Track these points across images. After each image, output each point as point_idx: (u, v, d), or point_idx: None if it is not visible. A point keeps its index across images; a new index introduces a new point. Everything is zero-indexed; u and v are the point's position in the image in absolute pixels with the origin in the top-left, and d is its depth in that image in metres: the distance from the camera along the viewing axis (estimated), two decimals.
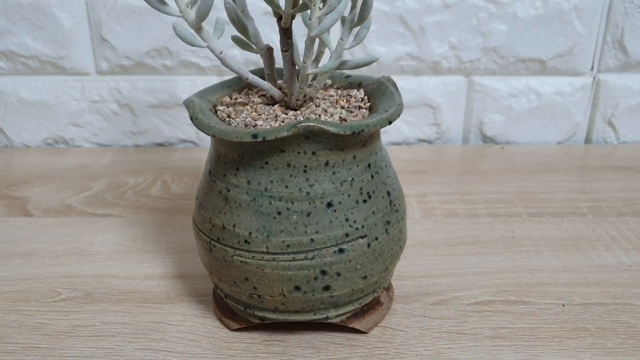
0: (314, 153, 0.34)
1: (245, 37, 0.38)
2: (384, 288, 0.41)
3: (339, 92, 0.40)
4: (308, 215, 0.35)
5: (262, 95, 0.40)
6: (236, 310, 0.40)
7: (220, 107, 0.38)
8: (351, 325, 0.39)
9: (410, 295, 0.44)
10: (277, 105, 0.38)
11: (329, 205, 0.35)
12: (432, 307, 0.42)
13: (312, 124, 0.32)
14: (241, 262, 0.36)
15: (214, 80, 0.67)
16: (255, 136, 0.33)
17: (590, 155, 0.66)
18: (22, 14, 0.64)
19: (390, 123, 0.35)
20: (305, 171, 0.34)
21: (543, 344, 0.39)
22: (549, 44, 0.64)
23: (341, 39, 0.36)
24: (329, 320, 0.39)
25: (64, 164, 0.66)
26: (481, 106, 0.67)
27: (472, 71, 0.66)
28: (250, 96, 0.40)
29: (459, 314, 0.42)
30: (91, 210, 0.56)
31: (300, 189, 0.35)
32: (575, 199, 0.56)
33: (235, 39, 0.39)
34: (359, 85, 0.41)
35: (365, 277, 0.37)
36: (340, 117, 0.36)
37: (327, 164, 0.35)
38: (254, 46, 0.39)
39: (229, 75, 0.66)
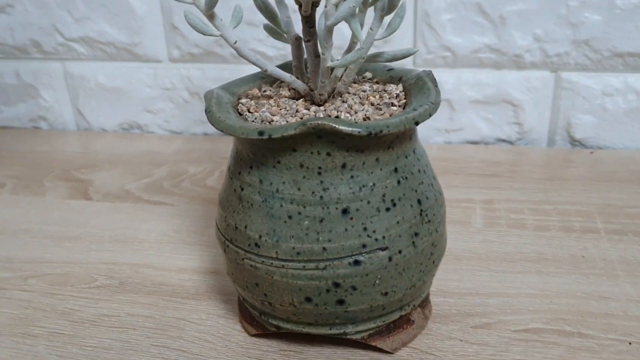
0: (328, 154, 0.31)
1: (275, 26, 0.36)
2: (416, 305, 0.37)
3: (375, 86, 0.36)
4: (321, 221, 0.32)
5: (293, 89, 0.37)
6: (253, 315, 0.38)
7: (244, 100, 0.36)
8: (374, 344, 0.36)
9: (451, 315, 0.39)
10: (301, 100, 0.35)
11: (345, 211, 0.32)
12: (473, 330, 0.38)
13: (322, 123, 0.29)
14: (251, 266, 0.34)
15: None
16: (261, 133, 0.30)
17: None
18: (100, 1, 0.66)
19: (417, 124, 0.31)
20: (319, 173, 0.31)
21: None
22: None
23: (371, 28, 0.32)
24: (348, 337, 0.35)
25: (134, 149, 0.67)
26: (569, 105, 0.60)
27: (559, 66, 0.59)
28: (281, 90, 0.37)
29: (501, 342, 0.37)
30: (146, 197, 0.56)
31: (313, 192, 0.32)
32: None
33: (266, 28, 0.37)
34: (399, 79, 0.37)
35: (386, 294, 0.33)
36: (365, 116, 0.33)
37: (344, 166, 0.31)
38: (285, 35, 0.36)
39: None
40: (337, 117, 0.32)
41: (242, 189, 0.34)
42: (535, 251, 0.45)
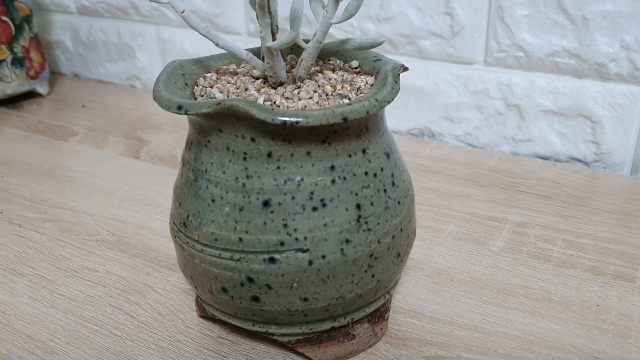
0: (252, 139, 0.29)
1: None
2: (355, 319, 0.33)
3: (346, 76, 0.33)
4: (241, 210, 0.30)
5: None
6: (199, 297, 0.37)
7: (209, 74, 0.34)
8: (300, 351, 0.33)
9: (409, 339, 0.35)
10: (259, 81, 0.33)
11: (266, 203, 0.29)
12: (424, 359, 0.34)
13: (235, 104, 0.27)
14: (180, 245, 0.33)
15: None
16: (180, 108, 0.29)
17: None
18: None
19: (345, 120, 0.28)
20: (245, 159, 0.29)
21: None
22: None
23: (326, 10, 0.29)
24: (274, 337, 0.33)
25: None
26: None
27: None
28: (255, 70, 0.35)
29: None
30: None
31: (236, 178, 0.30)
32: None
33: (251, 3, 0.35)
34: (378, 71, 0.33)
35: (306, 300, 0.31)
36: (304, 105, 0.30)
37: (270, 155, 0.29)
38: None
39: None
40: (273, 102, 0.30)
41: (183, 165, 0.33)
42: (544, 289, 0.39)
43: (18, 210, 0.50)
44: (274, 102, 0.30)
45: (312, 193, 0.29)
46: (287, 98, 0.30)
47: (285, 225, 0.29)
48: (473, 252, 0.43)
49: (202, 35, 0.32)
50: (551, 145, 0.56)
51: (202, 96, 0.32)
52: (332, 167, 0.30)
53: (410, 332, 0.36)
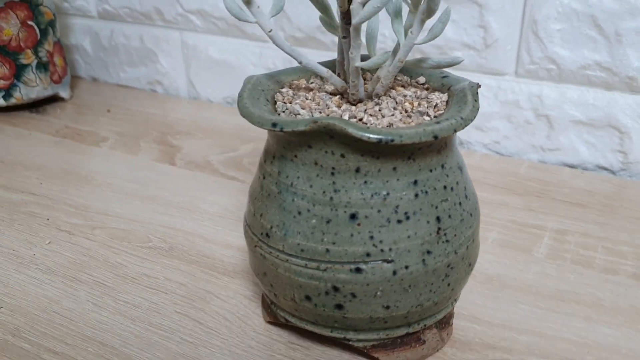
0: (342, 155, 0.30)
1: (328, 18, 0.35)
2: (427, 325, 0.35)
3: (419, 93, 0.35)
4: (328, 222, 0.31)
5: None
6: (270, 303, 0.38)
7: (284, 90, 0.36)
8: (376, 356, 0.35)
9: (473, 343, 0.37)
10: (337, 97, 0.34)
11: (353, 216, 0.31)
12: None
13: (332, 122, 0.28)
14: (261, 254, 0.34)
15: None
16: (274, 125, 0.30)
17: None
18: None
19: (436, 138, 0.29)
20: (332, 174, 0.31)
21: None
22: None
23: (411, 32, 0.31)
24: (351, 343, 0.35)
25: (230, 123, 0.70)
26: None
27: None
28: (326, 84, 0.37)
29: None
30: (223, 171, 0.59)
31: (324, 192, 0.31)
32: None
33: (322, 20, 0.36)
34: (449, 88, 0.35)
35: (388, 307, 0.32)
36: (390, 122, 0.31)
37: (358, 170, 0.30)
38: (338, 29, 0.35)
39: None
40: (360, 119, 0.32)
41: (264, 178, 0.34)
42: (593, 295, 0.41)
43: (64, 217, 0.51)
44: (361, 120, 0.32)
45: (397, 207, 0.31)
46: (371, 115, 0.32)
47: (372, 237, 0.31)
48: (519, 259, 0.45)
49: (288, 53, 0.33)
50: (578, 154, 0.58)
51: (284, 112, 0.33)
52: (415, 182, 0.31)
53: (473, 337, 0.37)
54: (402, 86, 0.36)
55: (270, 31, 0.32)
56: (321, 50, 0.66)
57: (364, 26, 0.43)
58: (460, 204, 0.33)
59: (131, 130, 0.69)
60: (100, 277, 0.43)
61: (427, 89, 0.36)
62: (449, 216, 0.32)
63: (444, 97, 0.34)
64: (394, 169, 0.31)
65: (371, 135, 0.28)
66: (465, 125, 0.30)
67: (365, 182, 0.31)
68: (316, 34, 0.66)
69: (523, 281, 0.42)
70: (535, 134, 0.59)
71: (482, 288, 0.42)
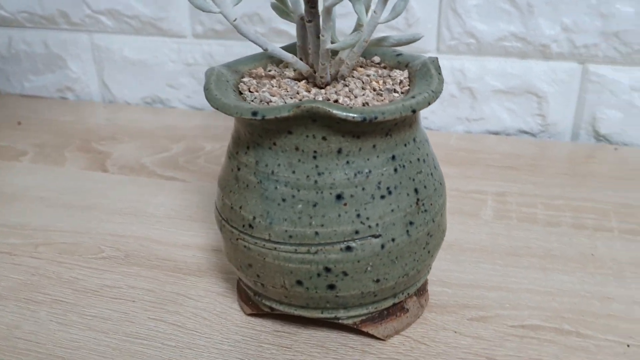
0: (324, 138, 0.31)
1: (282, 4, 0.36)
2: (410, 294, 0.36)
3: (380, 71, 0.36)
4: (314, 205, 0.31)
5: (297, 70, 0.37)
6: (249, 294, 0.38)
7: (246, 79, 0.36)
8: (365, 330, 0.36)
9: (448, 305, 0.39)
10: (304, 82, 0.35)
11: (339, 197, 0.31)
12: (469, 322, 0.37)
13: (316, 106, 0.29)
14: (245, 246, 0.34)
15: None
16: (255, 114, 0.30)
17: None
18: None
19: (414, 112, 0.30)
20: (314, 157, 0.31)
21: None
22: None
23: (374, 11, 0.32)
24: (340, 321, 0.35)
25: (154, 123, 0.68)
26: (596, 99, 0.58)
27: (587, 58, 0.57)
28: (286, 70, 0.37)
29: (496, 336, 0.36)
30: (160, 172, 0.57)
31: (308, 176, 0.31)
32: None
33: (273, 6, 0.36)
34: (406, 65, 0.36)
35: (378, 281, 0.33)
36: (364, 101, 0.32)
37: (339, 151, 0.31)
38: (292, 15, 0.35)
39: None
40: (335, 101, 0.32)
41: (239, 169, 0.34)
42: (543, 247, 0.44)
43: (0, 238, 0.48)
44: (336, 101, 0.32)
45: (379, 183, 0.32)
46: (345, 96, 0.32)
47: (358, 215, 0.32)
48: (470, 224, 0.47)
49: (252, 41, 0.33)
50: (501, 121, 0.62)
51: (253, 101, 0.33)
52: (394, 157, 0.32)
53: (447, 300, 0.39)
54: (361, 66, 0.37)
55: (234, 20, 0.32)
56: (243, 40, 0.66)
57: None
58: (432, 174, 0.34)
59: (50, 141, 0.65)
60: (58, 295, 0.41)
61: (384, 67, 0.37)
62: (425, 187, 0.34)
63: (405, 73, 0.35)
64: (374, 146, 0.31)
65: (355, 115, 0.29)
66: (436, 98, 0.32)
67: (348, 162, 0.31)
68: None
69: (478, 243, 0.45)
70: (459, 106, 0.62)
71: (444, 254, 0.44)
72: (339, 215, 0.32)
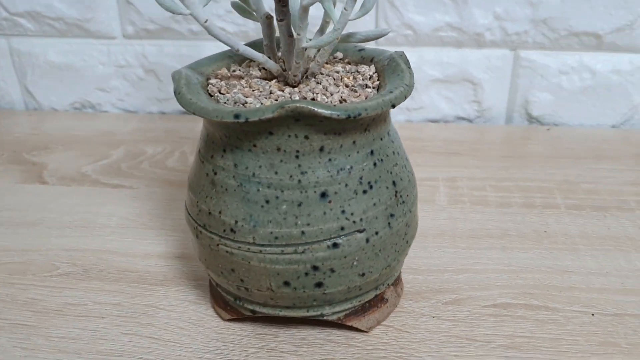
0: (306, 137, 0.31)
1: (244, 3, 0.35)
2: (389, 284, 0.37)
3: (347, 67, 0.36)
4: (299, 205, 0.31)
5: (264, 69, 0.36)
6: (227, 300, 0.37)
7: (213, 81, 0.35)
8: (349, 324, 0.36)
9: (421, 291, 0.40)
10: (274, 81, 0.34)
11: (323, 195, 0.31)
12: (444, 306, 0.39)
13: (300, 106, 0.29)
14: (227, 252, 0.33)
15: None
16: (237, 116, 0.29)
17: None
18: None
19: (394, 106, 0.31)
20: (297, 157, 0.31)
21: (564, 358, 0.35)
22: (606, 17, 0.57)
23: (345, 8, 0.32)
24: (325, 318, 0.35)
25: (88, 129, 0.65)
26: (528, 84, 0.61)
27: (518, 45, 0.60)
28: (251, 69, 0.36)
29: (472, 317, 0.38)
30: (104, 180, 0.55)
31: (291, 176, 0.31)
32: (624, 192, 0.50)
33: (234, 5, 0.36)
34: (370, 60, 0.37)
35: (363, 275, 0.33)
36: (340, 98, 0.32)
37: (322, 149, 0.31)
38: (254, 13, 0.35)
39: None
40: (312, 99, 0.32)
41: (215, 173, 0.33)
42: (499, 227, 0.46)
43: None
44: (314, 99, 0.32)
45: (361, 178, 0.32)
46: (322, 94, 0.32)
47: (343, 212, 0.32)
48: (428, 210, 0.49)
49: (223, 42, 0.32)
50: (439, 109, 0.64)
51: (226, 103, 0.32)
52: (372, 152, 0.33)
53: (420, 286, 0.40)
54: (327, 63, 0.37)
55: (206, 22, 0.31)
56: (178, 39, 0.64)
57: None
58: (405, 166, 0.35)
59: None
60: (17, 319, 0.39)
61: (348, 63, 0.37)
62: (401, 179, 0.34)
63: (372, 68, 0.36)
64: (354, 142, 0.32)
65: (340, 113, 0.29)
66: (411, 91, 0.32)
67: (330, 159, 0.31)
68: (171, 24, 0.63)
69: (438, 228, 0.46)
70: None
71: None
72: (324, 213, 0.32)
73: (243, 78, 0.35)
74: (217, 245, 0.33)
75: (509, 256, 0.43)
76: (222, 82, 0.34)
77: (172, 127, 0.65)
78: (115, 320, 0.38)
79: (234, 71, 0.36)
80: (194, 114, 0.31)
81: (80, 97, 0.69)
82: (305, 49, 0.32)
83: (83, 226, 0.48)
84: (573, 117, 0.62)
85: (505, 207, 0.49)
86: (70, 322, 0.38)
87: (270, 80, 0.35)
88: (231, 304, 0.37)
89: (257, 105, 0.32)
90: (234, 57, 0.38)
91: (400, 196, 0.34)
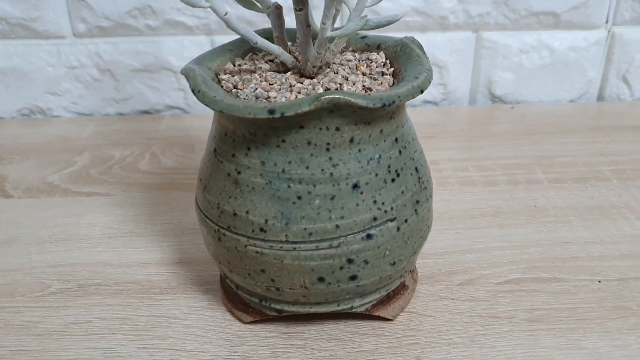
0: (337, 129, 0.30)
1: None
2: (410, 271, 0.37)
3: (357, 55, 0.35)
4: (332, 199, 0.31)
5: (270, 61, 0.35)
6: (249, 302, 0.36)
7: (224, 76, 0.33)
8: (377, 314, 0.36)
9: (434, 275, 0.40)
10: (289, 73, 0.33)
11: (355, 186, 0.31)
12: (460, 287, 0.39)
13: (337, 97, 0.28)
14: (256, 252, 0.32)
15: (203, 40, 0.61)
16: (272, 112, 0.28)
17: (605, 114, 0.62)
18: None
19: (422, 92, 0.31)
20: (328, 149, 0.30)
21: (583, 326, 0.36)
22: None
23: None
24: (354, 310, 0.35)
25: (43, 136, 0.61)
26: (490, 64, 0.63)
27: (481, 26, 0.61)
28: (256, 62, 0.35)
29: (489, 295, 0.38)
30: (76, 189, 0.51)
31: (322, 170, 0.30)
32: (597, 163, 0.53)
33: None
34: (377, 47, 0.36)
35: (394, 263, 0.33)
36: (363, 86, 0.32)
37: (352, 140, 0.30)
38: (258, 4, 0.34)
39: (219, 36, 0.61)
40: (336, 89, 0.31)
41: (239, 172, 0.31)
42: (491, 206, 0.47)
43: None
44: (338, 89, 0.31)
45: (389, 166, 0.32)
46: (339, 84, 0.32)
47: (375, 202, 0.31)
48: None
49: (242, 35, 0.31)
50: None
51: (245, 98, 0.31)
52: (396, 140, 0.32)
53: (431, 270, 0.41)
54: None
55: (225, 14, 0.29)
56: (135, 36, 0.61)
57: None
58: (421, 152, 0.35)
59: None
60: (17, 345, 0.36)
61: (353, 51, 0.37)
62: (421, 165, 0.34)
63: (382, 55, 0.35)
64: (381, 131, 0.31)
65: (375, 102, 0.29)
66: (432, 76, 0.32)
67: (360, 150, 0.31)
68: (127, 20, 0.60)
69: (435, 211, 0.47)
70: None
71: None
72: (357, 205, 0.31)
73: (254, 72, 0.34)
74: (245, 246, 0.32)
75: (507, 233, 0.44)
76: (235, 77, 0.33)
77: (134, 128, 0.62)
78: (128, 335, 0.36)
79: (240, 65, 0.35)
80: (220, 111, 0.29)
81: (28, 102, 0.64)
82: (329, 39, 0.31)
83: (65, 239, 0.45)
84: (533, 94, 0.65)
85: (492, 186, 0.50)
86: (78, 343, 0.36)
87: (282, 72, 0.34)
88: (253, 306, 0.36)
89: (282, 99, 0.31)
90: (234, 51, 0.36)
91: (422, 182, 0.34)
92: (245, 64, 0.35)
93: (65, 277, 0.41)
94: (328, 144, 0.30)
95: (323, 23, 0.30)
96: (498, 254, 0.42)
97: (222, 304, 0.38)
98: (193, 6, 0.28)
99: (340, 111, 0.29)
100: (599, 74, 0.64)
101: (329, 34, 0.30)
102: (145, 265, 0.42)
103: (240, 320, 0.37)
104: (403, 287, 0.37)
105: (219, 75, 0.34)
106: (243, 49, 0.37)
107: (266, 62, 0.35)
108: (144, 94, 0.64)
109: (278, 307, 0.35)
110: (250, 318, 0.36)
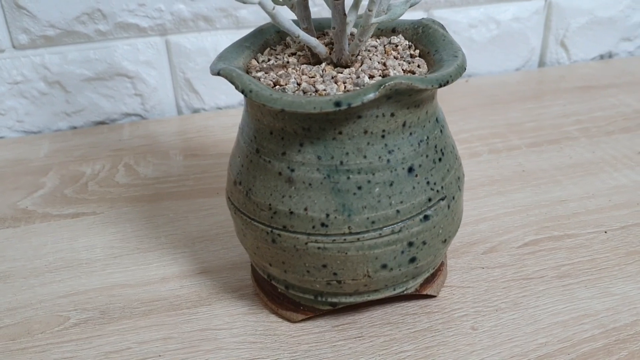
0: (392, 115, 0.30)
1: None
2: None
3: (379, 41, 0.36)
4: (391, 185, 0.31)
5: (292, 54, 0.35)
6: (300, 300, 0.35)
7: (258, 74, 0.32)
8: (424, 292, 0.37)
9: (457, 248, 0.42)
10: (324, 64, 0.33)
11: (410, 170, 0.31)
12: (485, 256, 0.41)
13: (399, 82, 0.28)
14: (318, 248, 0.31)
15: (158, 41, 0.58)
16: (338, 104, 0.28)
17: (550, 78, 0.67)
18: None
19: (464, 70, 0.32)
20: (383, 136, 0.30)
21: (607, 274, 0.39)
22: None
23: None
24: (406, 292, 0.36)
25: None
26: None
27: (432, 5, 0.63)
28: (278, 57, 0.34)
29: (514, 259, 0.40)
30: (56, 212, 0.48)
31: (380, 157, 0.30)
32: (562, 124, 0.57)
33: None
34: (392, 31, 0.37)
35: (445, 241, 0.34)
36: (403, 70, 0.32)
37: (404, 124, 0.31)
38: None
39: (173, 35, 0.58)
40: (380, 76, 0.31)
41: (293, 170, 0.31)
42: (484, 175, 0.50)
43: None
44: (384, 75, 0.31)
45: (436, 146, 0.33)
46: (390, 68, 0.32)
47: (428, 182, 0.32)
48: None
49: (286, 29, 0.30)
50: None
51: (294, 92, 0.30)
52: (437, 120, 0.33)
53: (453, 243, 0.42)
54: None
55: (273, 9, 0.28)
56: (84, 43, 0.57)
57: None
58: (448, 129, 0.36)
59: None
60: None
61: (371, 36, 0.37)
62: (454, 141, 0.35)
63: (402, 38, 0.36)
64: (426, 112, 0.32)
65: (433, 83, 0.29)
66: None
67: (411, 133, 0.31)
68: (75, 27, 0.56)
69: None
70: None
71: None
72: (414, 188, 0.32)
73: (287, 67, 0.33)
74: (306, 244, 0.32)
75: (509, 199, 0.46)
76: (272, 74, 0.32)
77: (93, 141, 0.58)
78: (177, 355, 0.35)
79: (263, 61, 0.34)
80: (282, 109, 0.28)
81: None
82: (372, 25, 0.31)
83: (65, 267, 0.42)
84: (482, 65, 0.68)
85: (477, 157, 0.52)
86: None
87: (312, 64, 0.33)
88: (304, 304, 0.36)
89: (332, 91, 0.30)
90: (250, 47, 0.35)
91: (457, 158, 0.35)
92: (269, 59, 0.34)
93: (82, 306, 0.38)
94: (384, 130, 0.30)
95: (369, 10, 0.30)
96: (508, 220, 0.44)
97: (263, 307, 0.37)
98: (243, 2, 0.27)
99: (397, 96, 0.29)
100: (539, 41, 0.68)
101: (373, 20, 0.30)
102: (166, 280, 0.40)
103: (289, 320, 0.36)
104: (442, 263, 0.38)
105: (250, 72, 0.33)
106: (258, 44, 0.36)
107: (289, 56, 0.34)
108: (98, 104, 0.60)
109: (335, 300, 0.35)
110: (302, 316, 0.36)
